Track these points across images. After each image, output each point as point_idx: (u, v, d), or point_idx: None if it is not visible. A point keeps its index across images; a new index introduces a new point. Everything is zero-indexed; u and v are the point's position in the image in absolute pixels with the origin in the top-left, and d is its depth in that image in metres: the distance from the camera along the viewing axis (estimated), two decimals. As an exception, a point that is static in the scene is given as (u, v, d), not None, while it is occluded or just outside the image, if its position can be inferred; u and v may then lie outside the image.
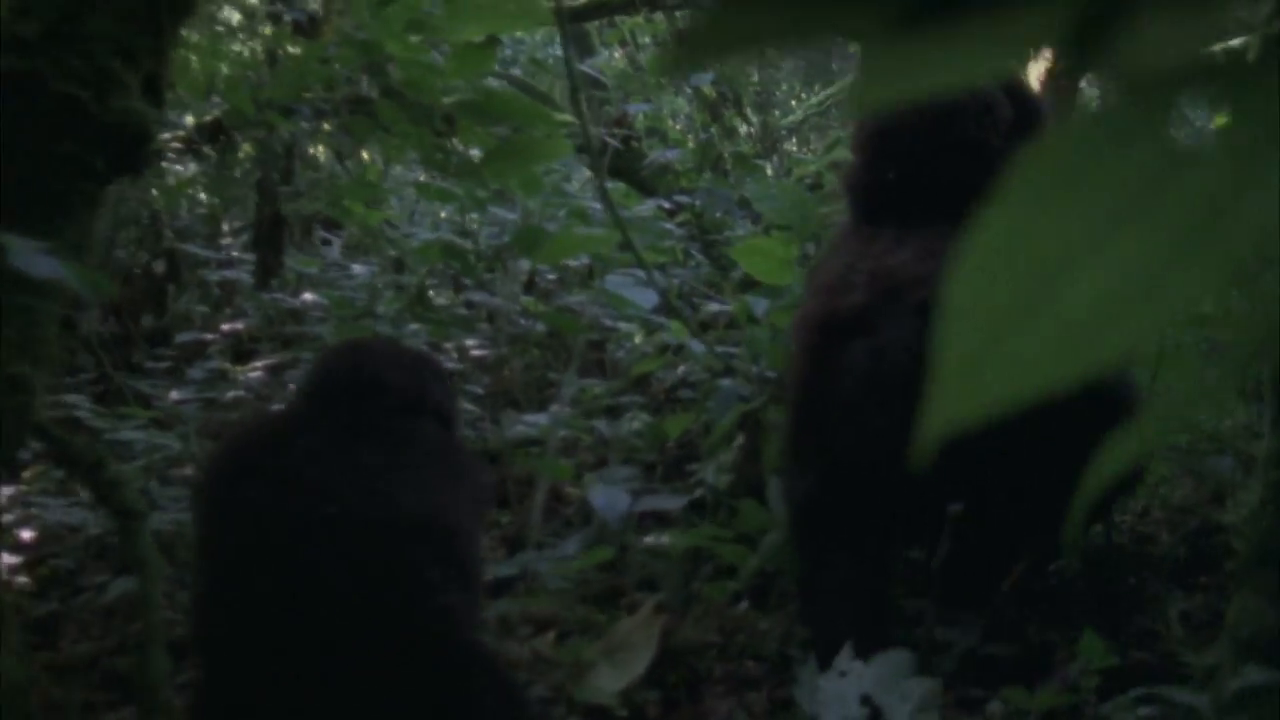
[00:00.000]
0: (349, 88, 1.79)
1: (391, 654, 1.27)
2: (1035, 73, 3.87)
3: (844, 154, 3.38)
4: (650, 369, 2.25)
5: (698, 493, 2.22)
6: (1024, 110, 1.90)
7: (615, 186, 4.17)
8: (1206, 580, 2.20)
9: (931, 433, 0.40)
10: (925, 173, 1.78)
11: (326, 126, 3.08)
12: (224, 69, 2.68)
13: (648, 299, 1.86)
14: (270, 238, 2.42)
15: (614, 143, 3.69)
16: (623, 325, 3.11)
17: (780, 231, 1.93)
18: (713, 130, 4.03)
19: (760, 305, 2.12)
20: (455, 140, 1.96)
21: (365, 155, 4.06)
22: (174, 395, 2.52)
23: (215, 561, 1.36)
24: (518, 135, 1.63)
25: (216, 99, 2.96)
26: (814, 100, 10.37)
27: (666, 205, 3.82)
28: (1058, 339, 0.44)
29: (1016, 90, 1.93)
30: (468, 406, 2.49)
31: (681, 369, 2.42)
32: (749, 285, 3.29)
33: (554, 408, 2.62)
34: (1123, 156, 0.46)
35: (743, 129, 5.49)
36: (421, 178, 3.32)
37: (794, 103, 10.60)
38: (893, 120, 1.82)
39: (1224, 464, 2.04)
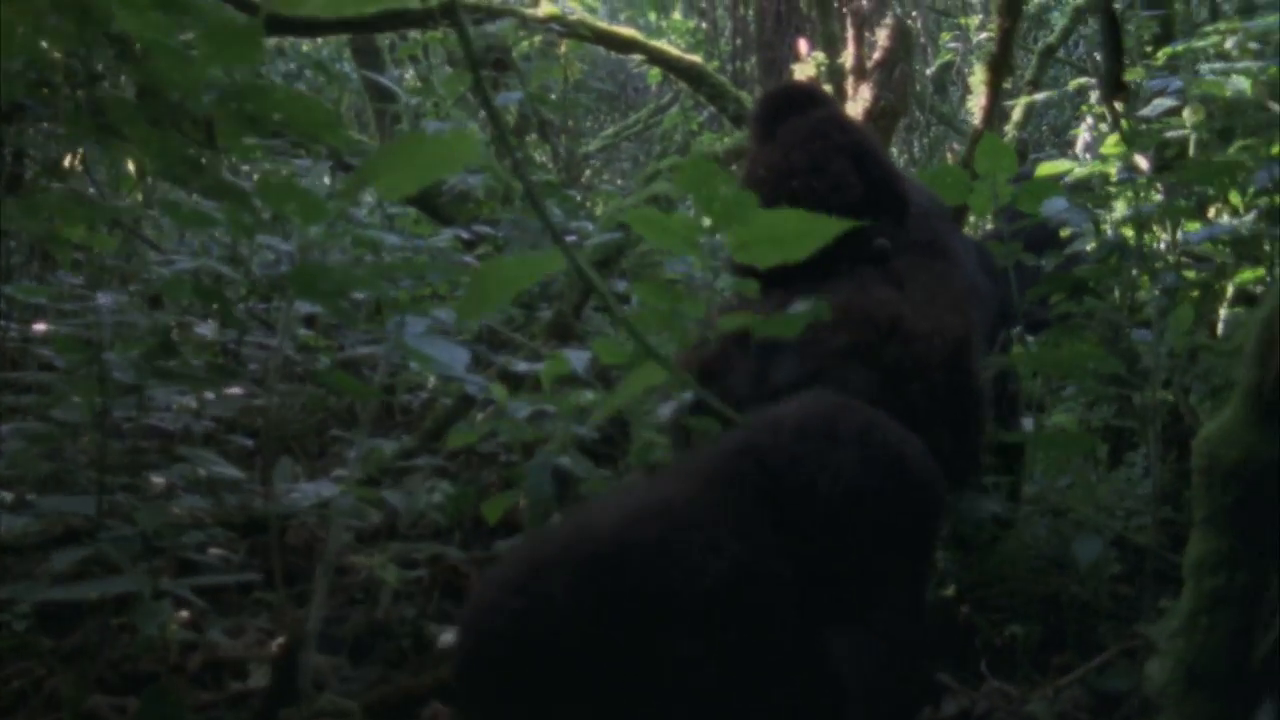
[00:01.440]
0: (71, 75, 1.37)
1: None
2: (856, 111, 3.75)
3: (664, 187, 3.14)
4: (467, 441, 1.90)
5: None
6: (872, 178, 2.02)
7: (405, 213, 3.79)
8: (1061, 661, 2.04)
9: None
10: None
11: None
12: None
13: (458, 356, 1.52)
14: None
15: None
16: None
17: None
18: (519, 155, 3.70)
19: (579, 360, 1.81)
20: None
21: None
22: None
23: None
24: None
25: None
26: (610, 131, 10.22)
27: (465, 235, 3.47)
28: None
29: (864, 160, 2.04)
30: (228, 472, 2.06)
31: (496, 433, 2.08)
32: (560, 330, 2.99)
33: (338, 472, 2.23)
34: None
35: (540, 156, 5.21)
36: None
37: (583, 123, 10.43)
38: None
39: (1090, 546, 1.87)
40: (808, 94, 2.23)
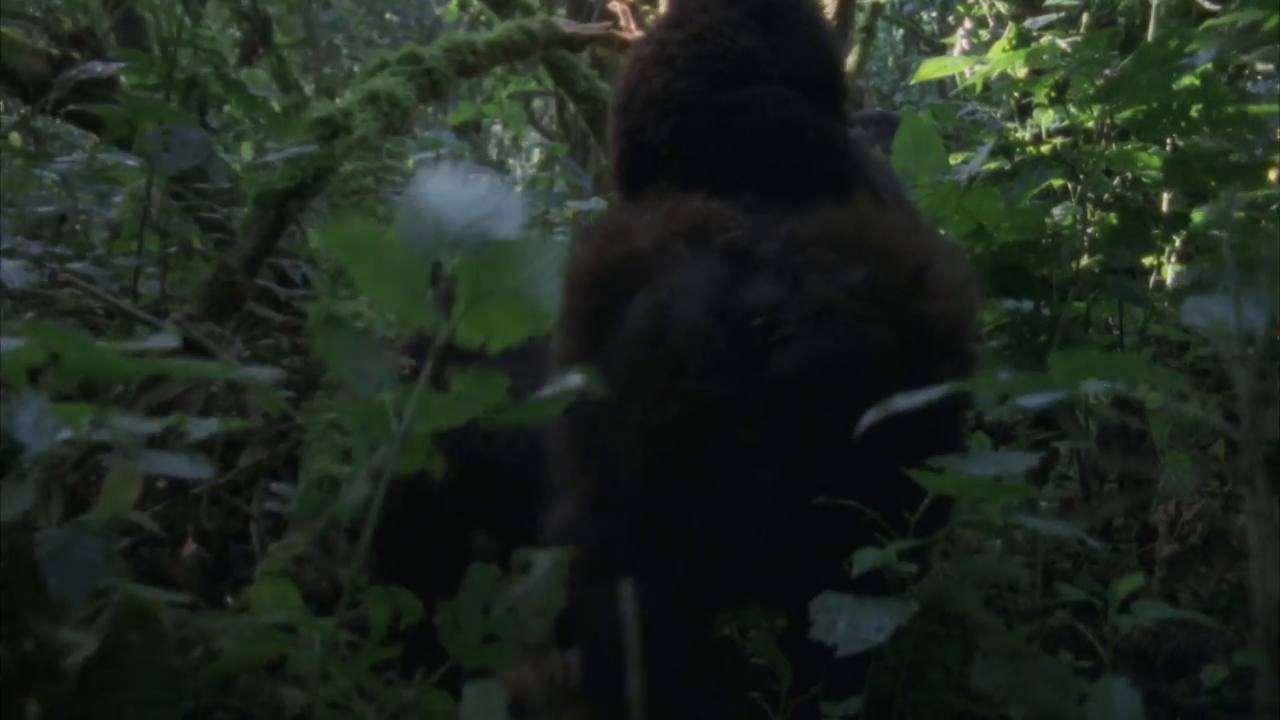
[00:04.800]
0: None
1: None
2: None
3: (389, 83, 2.17)
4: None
5: None
6: (795, 52, 1.51)
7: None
8: None
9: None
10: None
11: None
12: None
13: None
14: None
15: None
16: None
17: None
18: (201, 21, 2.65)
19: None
20: None
21: None
22: None
23: None
24: None
25: None
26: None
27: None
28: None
29: (782, 24, 1.52)
30: None
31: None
32: (222, 299, 1.98)
33: None
34: None
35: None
36: None
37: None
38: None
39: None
40: None
